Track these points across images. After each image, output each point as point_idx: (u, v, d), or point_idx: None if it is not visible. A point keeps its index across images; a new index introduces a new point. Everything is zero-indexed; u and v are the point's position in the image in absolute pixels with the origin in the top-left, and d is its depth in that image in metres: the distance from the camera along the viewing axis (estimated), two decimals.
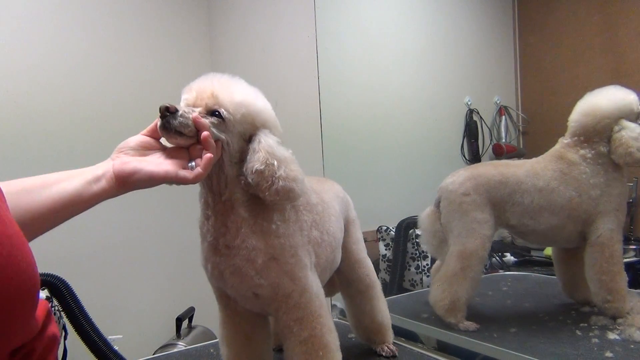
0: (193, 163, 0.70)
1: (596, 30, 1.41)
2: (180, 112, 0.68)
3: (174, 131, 0.68)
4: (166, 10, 2.30)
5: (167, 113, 0.68)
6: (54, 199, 0.62)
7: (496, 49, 1.71)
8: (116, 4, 2.15)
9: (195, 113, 0.70)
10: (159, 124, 0.69)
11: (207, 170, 0.69)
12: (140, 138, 0.72)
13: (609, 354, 0.93)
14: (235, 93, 0.73)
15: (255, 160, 0.71)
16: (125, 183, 0.67)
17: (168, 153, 0.71)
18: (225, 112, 0.71)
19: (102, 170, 0.67)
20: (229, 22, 2.28)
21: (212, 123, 0.71)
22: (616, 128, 1.08)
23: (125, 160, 0.68)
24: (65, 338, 1.49)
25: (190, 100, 0.72)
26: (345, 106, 1.71)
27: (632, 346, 0.97)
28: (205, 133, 0.68)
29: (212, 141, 0.69)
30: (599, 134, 1.10)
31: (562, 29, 1.50)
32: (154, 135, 0.72)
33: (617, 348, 0.96)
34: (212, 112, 0.71)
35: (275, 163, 0.71)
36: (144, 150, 0.71)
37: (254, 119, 0.74)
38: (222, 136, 0.72)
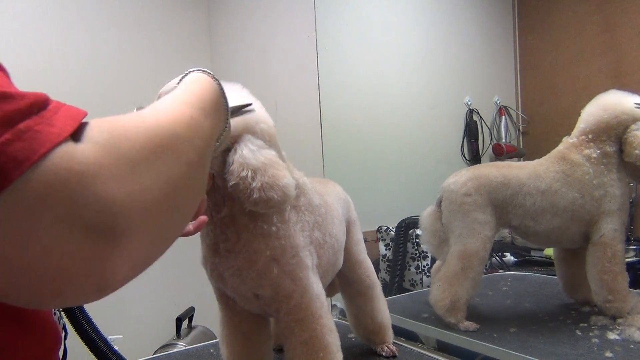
0: None
1: (596, 30, 1.41)
2: None
3: None
4: (166, 10, 2.29)
5: None
6: None
7: (496, 49, 1.71)
8: (116, 4, 2.15)
9: None
10: None
11: (199, 230, 0.69)
12: None
13: (609, 354, 0.93)
14: None
15: (229, 174, 0.69)
16: None
17: None
18: None
19: None
20: (229, 22, 2.28)
21: None
22: (634, 127, 1.07)
23: None
24: (65, 338, 1.49)
25: None
26: (345, 106, 1.71)
27: (632, 346, 0.97)
28: None
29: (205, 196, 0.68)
30: (610, 130, 1.09)
31: (562, 29, 1.50)
32: None
33: (617, 348, 0.96)
34: None
35: (249, 174, 0.68)
36: None
37: (231, 133, 0.69)
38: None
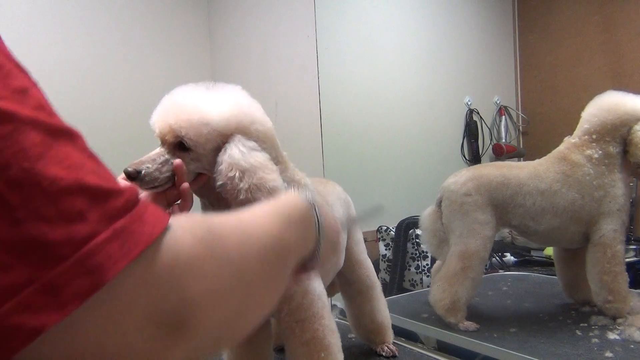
0: (170, 210, 0.70)
1: (596, 30, 1.41)
2: (142, 173, 0.66)
3: (146, 187, 0.67)
4: (166, 10, 2.29)
5: (131, 178, 0.66)
6: None
7: (496, 49, 1.71)
8: (115, 4, 2.15)
9: (163, 157, 0.68)
10: None
11: None
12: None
13: (609, 354, 0.94)
14: (193, 114, 0.68)
15: (218, 174, 0.69)
16: None
17: (147, 195, 0.70)
18: (189, 142, 0.68)
19: None
20: (229, 22, 2.28)
21: (184, 158, 0.69)
22: (637, 127, 1.07)
23: None
24: None
25: (156, 135, 0.71)
26: (345, 106, 1.71)
27: (632, 346, 0.97)
28: (184, 185, 0.68)
29: (191, 192, 0.70)
30: (615, 131, 1.09)
31: (562, 29, 1.50)
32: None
33: (617, 348, 0.96)
34: (177, 146, 0.69)
35: (237, 174, 0.68)
36: None
37: (219, 132, 0.70)
38: (199, 166, 0.71)
